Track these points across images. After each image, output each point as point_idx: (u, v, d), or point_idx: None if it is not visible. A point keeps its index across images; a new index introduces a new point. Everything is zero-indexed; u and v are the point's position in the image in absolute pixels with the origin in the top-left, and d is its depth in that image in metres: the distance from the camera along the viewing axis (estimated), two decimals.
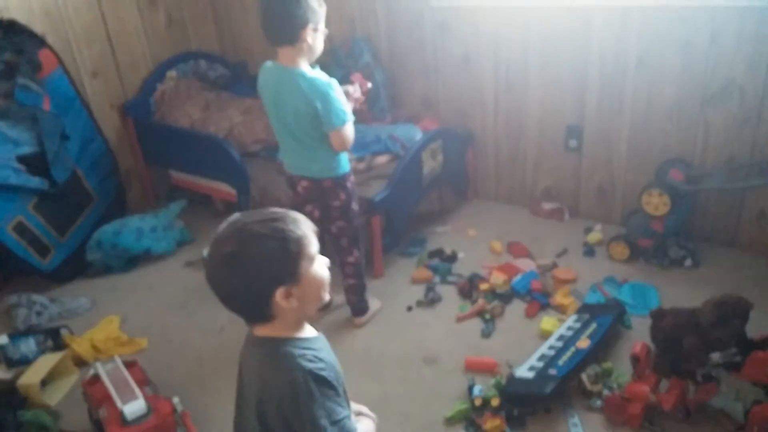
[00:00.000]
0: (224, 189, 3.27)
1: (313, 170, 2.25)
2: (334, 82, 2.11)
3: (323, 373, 1.15)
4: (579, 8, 2.77)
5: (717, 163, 2.68)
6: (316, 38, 2.08)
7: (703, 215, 2.82)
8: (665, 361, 1.98)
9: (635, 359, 2.06)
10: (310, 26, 2.04)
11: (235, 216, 1.17)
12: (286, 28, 2.03)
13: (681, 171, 2.65)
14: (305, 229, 1.15)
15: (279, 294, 1.12)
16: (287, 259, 1.12)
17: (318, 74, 2.11)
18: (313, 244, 1.16)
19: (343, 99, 2.13)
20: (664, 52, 2.63)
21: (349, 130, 2.16)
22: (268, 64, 2.17)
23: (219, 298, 1.16)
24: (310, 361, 1.15)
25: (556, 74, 2.94)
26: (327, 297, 1.22)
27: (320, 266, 1.19)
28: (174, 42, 3.74)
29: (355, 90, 2.27)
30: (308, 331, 1.24)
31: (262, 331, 1.20)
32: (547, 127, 3.08)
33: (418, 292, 2.72)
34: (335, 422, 1.14)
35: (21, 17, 2.98)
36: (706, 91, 2.60)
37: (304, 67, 2.10)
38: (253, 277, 1.11)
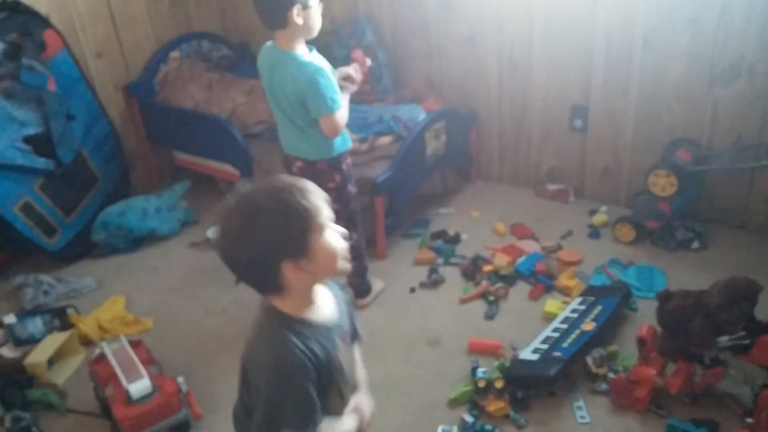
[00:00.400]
0: (227, 170, 3.27)
1: (306, 151, 2.23)
2: (326, 68, 2.07)
3: (294, 369, 1.12)
4: None
5: (725, 143, 2.64)
6: (308, 17, 2.02)
7: (710, 197, 2.79)
8: (672, 343, 1.96)
9: (641, 342, 2.04)
10: (297, 6, 1.98)
11: (242, 186, 1.13)
12: (273, 13, 2.01)
13: (688, 151, 2.62)
14: (313, 199, 1.11)
15: (286, 268, 1.10)
16: (293, 232, 1.08)
17: (312, 58, 2.08)
18: (322, 214, 1.12)
19: (333, 86, 2.08)
20: (671, 30, 2.59)
21: (339, 118, 2.11)
22: (268, 44, 2.15)
23: (230, 270, 1.13)
24: (293, 353, 1.12)
25: (561, 53, 2.90)
26: (345, 266, 1.18)
27: (332, 236, 1.14)
28: (177, 23, 3.72)
29: (356, 72, 2.24)
30: (318, 312, 1.20)
31: (273, 301, 1.18)
32: (552, 107, 3.05)
33: (422, 273, 2.72)
34: (283, 424, 1.13)
35: None
36: (714, 69, 2.56)
37: (300, 49, 2.08)
38: (259, 251, 1.08)
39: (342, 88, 2.17)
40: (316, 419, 1.16)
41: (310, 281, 1.16)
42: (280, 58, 2.08)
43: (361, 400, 1.34)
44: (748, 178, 2.67)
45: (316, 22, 2.07)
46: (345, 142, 2.27)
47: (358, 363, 1.37)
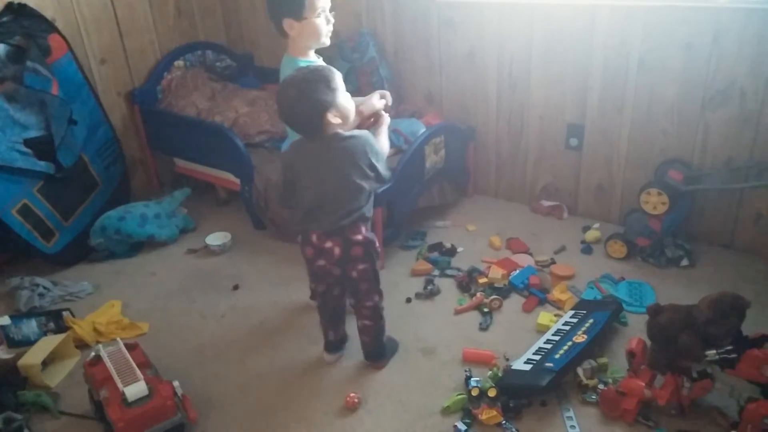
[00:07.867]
0: (228, 178, 3.30)
1: None
2: None
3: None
4: (584, 6, 2.79)
5: (716, 164, 2.70)
6: (302, 28, 2.08)
7: (700, 216, 2.84)
8: (661, 356, 1.99)
9: (631, 354, 2.07)
10: (288, 20, 2.06)
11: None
12: (274, 23, 2.11)
13: (680, 171, 2.68)
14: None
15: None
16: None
17: (306, 65, 2.09)
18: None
19: None
20: (666, 53, 2.66)
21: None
22: None
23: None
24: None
25: (559, 72, 2.97)
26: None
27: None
28: (182, 32, 3.77)
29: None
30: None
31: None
32: (549, 125, 3.11)
33: (418, 284, 2.75)
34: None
35: (32, 1, 3.01)
36: (706, 92, 2.63)
37: (304, 56, 2.15)
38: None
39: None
40: None
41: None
42: (284, 62, 2.18)
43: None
44: (736, 199, 2.73)
45: (316, 33, 2.11)
46: None
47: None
